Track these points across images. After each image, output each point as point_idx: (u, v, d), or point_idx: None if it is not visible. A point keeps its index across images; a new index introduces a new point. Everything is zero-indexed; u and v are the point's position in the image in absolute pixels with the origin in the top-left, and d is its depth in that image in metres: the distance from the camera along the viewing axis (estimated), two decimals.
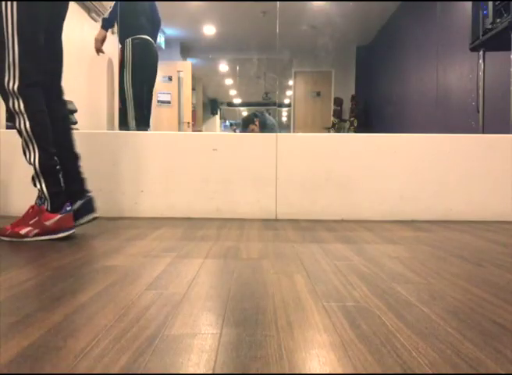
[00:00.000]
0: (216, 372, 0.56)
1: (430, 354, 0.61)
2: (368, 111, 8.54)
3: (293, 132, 9.16)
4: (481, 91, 3.14)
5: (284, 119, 10.98)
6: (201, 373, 0.56)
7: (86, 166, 2.20)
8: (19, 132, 1.49)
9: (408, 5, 6.27)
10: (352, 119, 8.53)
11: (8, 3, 1.43)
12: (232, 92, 11.61)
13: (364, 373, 0.56)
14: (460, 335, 0.69)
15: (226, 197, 2.21)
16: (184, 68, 8.14)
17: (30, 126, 1.47)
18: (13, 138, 2.24)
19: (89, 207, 1.62)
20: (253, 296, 0.89)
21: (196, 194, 2.21)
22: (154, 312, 0.77)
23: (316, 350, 0.63)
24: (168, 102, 7.94)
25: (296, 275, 1.06)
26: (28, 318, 0.74)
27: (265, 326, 0.71)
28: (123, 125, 3.35)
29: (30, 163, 1.49)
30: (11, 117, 1.50)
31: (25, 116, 1.47)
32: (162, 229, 1.80)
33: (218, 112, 12.11)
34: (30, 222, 1.49)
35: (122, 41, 3.32)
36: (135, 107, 3.26)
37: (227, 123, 14.32)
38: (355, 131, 7.99)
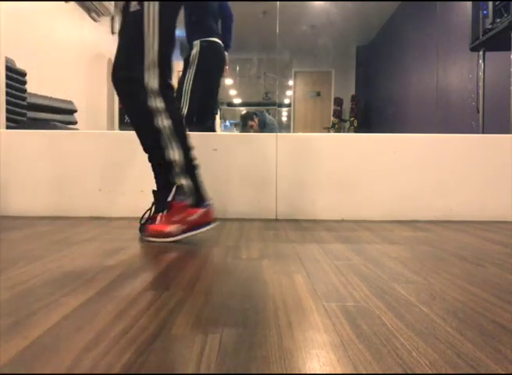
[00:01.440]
0: (216, 372, 0.56)
1: (430, 354, 0.61)
2: (368, 111, 8.55)
3: (293, 132, 9.16)
4: (481, 91, 3.14)
5: (284, 119, 10.99)
6: (201, 373, 0.56)
7: (86, 166, 2.21)
8: (158, 130, 1.47)
9: (408, 5, 6.27)
10: (352, 119, 8.54)
11: (151, 2, 1.42)
12: (232, 92, 11.61)
13: (364, 373, 0.56)
14: (460, 335, 0.69)
15: (226, 197, 2.21)
16: None
17: (172, 124, 1.47)
18: (13, 138, 2.25)
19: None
20: (253, 296, 0.89)
21: None
22: (154, 312, 0.78)
23: (316, 350, 0.63)
24: None
25: (296, 275, 1.06)
26: (28, 318, 0.74)
27: (265, 326, 0.71)
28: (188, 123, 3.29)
29: (168, 161, 1.48)
30: (144, 115, 1.47)
31: (165, 114, 1.46)
32: None
33: (218, 112, 12.11)
34: (174, 219, 1.47)
35: (190, 41, 3.26)
36: (189, 108, 3.24)
37: (227, 123, 14.33)
38: (355, 131, 7.99)
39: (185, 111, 3.21)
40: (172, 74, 1.54)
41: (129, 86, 1.47)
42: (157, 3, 1.43)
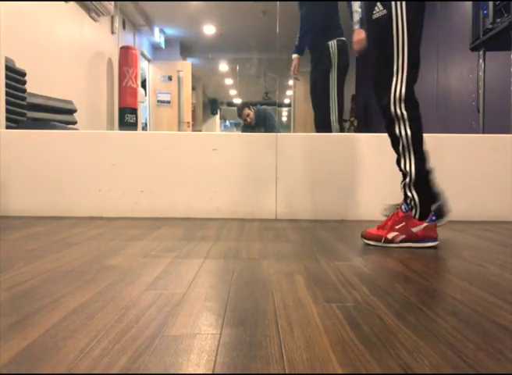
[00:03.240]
0: (216, 372, 0.56)
1: (430, 354, 0.61)
2: (368, 111, 8.54)
3: (293, 132, 9.16)
4: (481, 91, 3.14)
5: (284, 119, 10.98)
6: (201, 373, 0.56)
7: (86, 166, 2.21)
8: (397, 138, 1.46)
9: None
10: (352, 119, 8.53)
11: (398, 3, 1.40)
12: (232, 92, 11.62)
13: (364, 373, 0.56)
14: (460, 335, 0.68)
15: (226, 197, 2.21)
16: (184, 68, 8.14)
17: (411, 133, 1.44)
18: (13, 138, 2.25)
19: (443, 210, 1.58)
20: (253, 296, 0.89)
21: (196, 194, 2.21)
22: (154, 313, 0.77)
23: (316, 350, 0.63)
24: (168, 102, 7.94)
25: (297, 275, 1.06)
26: (28, 318, 0.74)
27: (265, 326, 0.71)
28: (322, 127, 3.12)
29: (404, 171, 1.47)
30: (388, 121, 1.46)
31: (407, 122, 1.43)
32: (162, 229, 1.80)
33: (218, 112, 12.10)
34: (397, 227, 1.46)
35: (321, 42, 3.14)
36: (339, 110, 3.20)
37: (227, 123, 14.32)
38: (355, 131, 7.99)
39: (335, 116, 3.15)
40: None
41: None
42: (404, 4, 1.39)
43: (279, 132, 2.67)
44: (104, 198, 2.19)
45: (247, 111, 4.75)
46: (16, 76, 3.15)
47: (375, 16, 1.43)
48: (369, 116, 8.51)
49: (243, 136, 2.43)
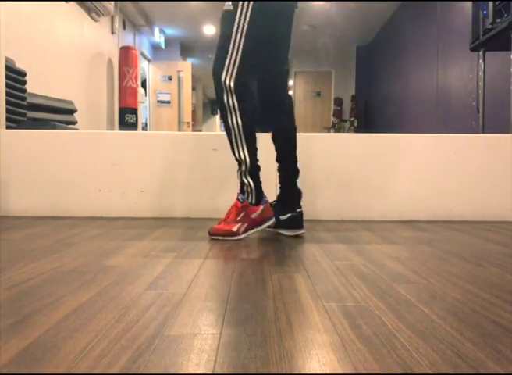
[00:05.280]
0: (216, 372, 0.56)
1: (430, 354, 0.61)
2: (368, 111, 8.54)
3: None
4: (481, 91, 3.14)
5: None
6: (201, 373, 0.56)
7: (86, 166, 2.21)
8: (230, 127, 1.55)
9: (408, 5, 6.27)
10: (352, 119, 8.53)
11: (245, 4, 1.48)
12: None
13: (364, 373, 0.56)
14: (460, 335, 0.69)
15: (226, 197, 2.21)
16: (184, 68, 8.14)
17: (242, 123, 1.53)
18: (13, 138, 2.25)
19: (297, 222, 1.65)
20: (253, 296, 0.89)
21: (196, 194, 2.21)
22: (154, 312, 0.78)
23: (316, 350, 0.63)
24: (168, 102, 7.94)
25: (297, 275, 1.06)
26: (28, 318, 0.74)
27: (265, 326, 0.71)
28: None
29: (239, 159, 1.56)
30: (221, 111, 1.56)
31: (238, 112, 1.53)
32: (162, 229, 1.80)
33: (218, 112, 12.08)
34: (238, 218, 1.55)
35: None
36: None
37: None
38: (355, 131, 7.99)
39: None
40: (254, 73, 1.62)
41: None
42: (251, 4, 1.48)
43: None
44: (104, 198, 2.19)
45: None
46: (16, 76, 3.15)
47: (224, 8, 1.51)
48: (369, 116, 8.51)
49: None
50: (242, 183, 1.58)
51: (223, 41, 1.52)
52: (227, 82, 1.51)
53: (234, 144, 1.56)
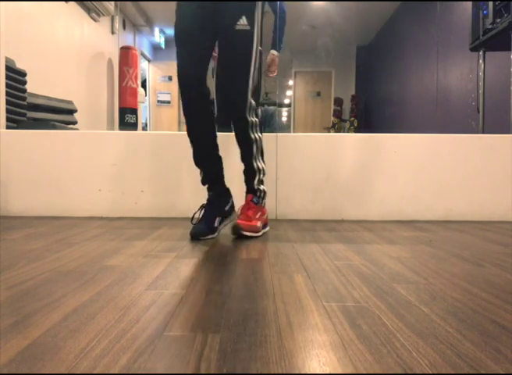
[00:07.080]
0: (216, 372, 0.56)
1: (430, 354, 0.61)
2: (368, 111, 8.54)
3: (293, 132, 9.16)
4: (481, 91, 3.14)
5: (284, 119, 10.96)
6: (201, 373, 0.56)
7: (86, 166, 2.21)
8: (252, 140, 1.65)
9: (408, 5, 6.26)
10: (352, 119, 8.53)
11: (258, 20, 1.57)
12: None
13: (364, 373, 0.56)
14: (460, 335, 0.69)
15: None
16: None
17: (260, 136, 1.68)
18: (13, 138, 2.25)
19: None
20: (253, 296, 0.89)
21: (196, 194, 2.20)
22: (154, 312, 0.77)
23: (316, 350, 0.63)
24: (168, 102, 7.94)
25: (297, 275, 1.06)
26: (28, 318, 0.74)
27: (265, 326, 0.71)
28: None
29: (256, 169, 1.67)
30: (243, 126, 1.65)
31: (257, 127, 1.65)
32: (162, 229, 1.80)
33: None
34: (257, 216, 1.64)
35: None
36: None
37: None
38: (355, 131, 7.99)
39: None
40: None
41: None
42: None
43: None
44: (104, 198, 2.19)
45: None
46: (16, 77, 3.14)
47: (237, 28, 1.53)
48: (369, 116, 8.51)
49: None
50: (257, 190, 1.68)
51: (241, 59, 1.55)
52: (252, 101, 1.58)
53: (256, 155, 1.65)
